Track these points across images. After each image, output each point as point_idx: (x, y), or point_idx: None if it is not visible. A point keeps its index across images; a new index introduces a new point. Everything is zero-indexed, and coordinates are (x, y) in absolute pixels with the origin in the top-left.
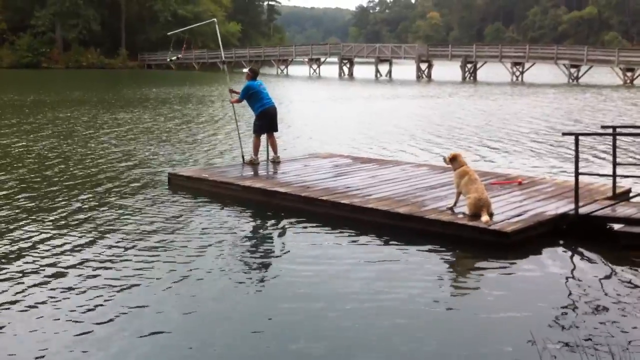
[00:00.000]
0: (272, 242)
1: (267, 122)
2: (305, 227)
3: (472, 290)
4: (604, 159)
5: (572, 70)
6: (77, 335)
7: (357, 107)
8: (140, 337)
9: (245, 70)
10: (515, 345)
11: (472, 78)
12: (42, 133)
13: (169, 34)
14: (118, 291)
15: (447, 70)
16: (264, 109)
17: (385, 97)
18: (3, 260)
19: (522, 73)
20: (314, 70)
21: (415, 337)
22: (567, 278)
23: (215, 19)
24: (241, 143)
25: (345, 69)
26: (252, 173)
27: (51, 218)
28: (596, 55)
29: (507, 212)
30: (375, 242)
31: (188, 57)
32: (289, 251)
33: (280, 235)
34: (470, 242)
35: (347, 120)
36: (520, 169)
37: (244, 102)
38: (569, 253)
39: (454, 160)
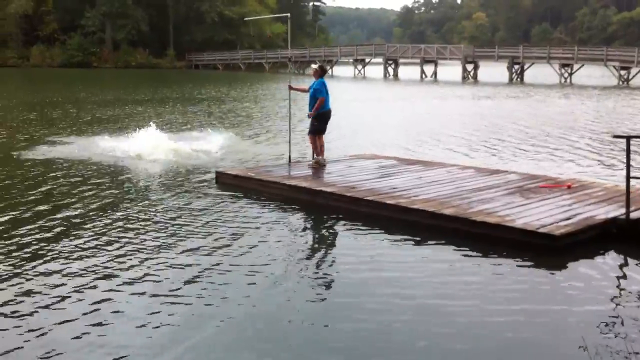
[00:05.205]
0: (318, 241)
1: (323, 124)
2: (351, 227)
3: (520, 294)
4: None
5: (622, 72)
6: (126, 328)
7: (402, 107)
8: (189, 330)
9: (314, 66)
10: (567, 351)
11: (519, 79)
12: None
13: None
14: (166, 285)
15: (493, 71)
16: (325, 110)
17: (431, 98)
18: (55, 249)
19: (570, 75)
20: (359, 71)
21: (463, 340)
22: (617, 283)
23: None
24: (290, 143)
25: (390, 70)
26: (298, 172)
27: (101, 212)
28: None
29: (555, 215)
30: (421, 243)
31: (234, 57)
32: (334, 251)
33: (326, 234)
34: (517, 245)
35: (393, 121)
36: (570, 172)
37: (305, 100)
38: (619, 258)
39: None
